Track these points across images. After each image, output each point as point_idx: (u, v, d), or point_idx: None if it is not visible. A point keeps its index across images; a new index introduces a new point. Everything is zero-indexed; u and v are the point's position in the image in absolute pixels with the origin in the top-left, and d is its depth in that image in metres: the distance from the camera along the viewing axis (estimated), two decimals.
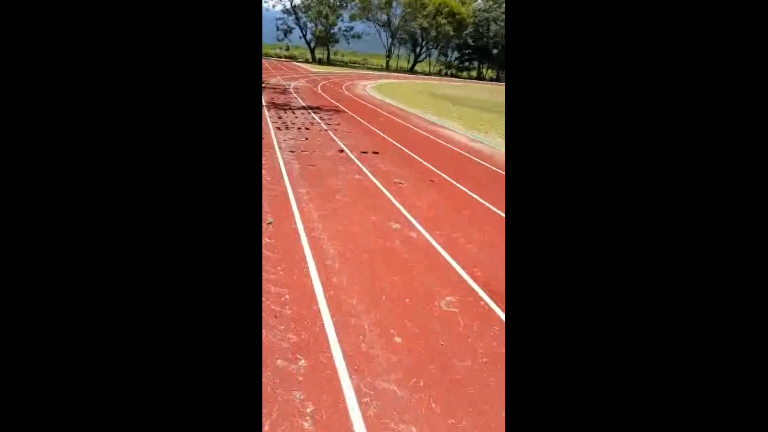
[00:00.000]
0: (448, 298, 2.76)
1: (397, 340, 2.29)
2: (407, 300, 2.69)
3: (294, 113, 9.84)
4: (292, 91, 14.85)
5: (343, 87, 19.14)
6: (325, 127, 8.45)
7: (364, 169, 5.76)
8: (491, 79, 50.10)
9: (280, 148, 6.43)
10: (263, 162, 5.58)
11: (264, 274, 2.76)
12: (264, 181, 4.81)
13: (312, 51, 45.38)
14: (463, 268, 3.18)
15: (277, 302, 2.50)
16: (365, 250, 3.32)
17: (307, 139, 7.24)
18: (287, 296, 2.58)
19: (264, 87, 14.81)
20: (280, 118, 8.97)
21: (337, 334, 2.26)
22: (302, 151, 6.39)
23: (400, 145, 7.51)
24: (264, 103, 10.81)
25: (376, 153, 6.75)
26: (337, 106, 11.93)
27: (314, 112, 10.31)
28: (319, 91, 16.05)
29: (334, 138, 7.56)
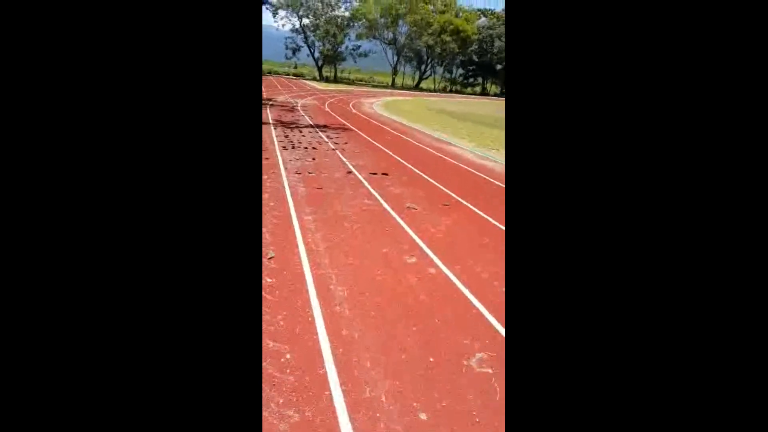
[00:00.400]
0: (479, 355, 2.32)
1: (423, 417, 1.86)
2: (431, 359, 2.26)
3: (301, 132, 9.60)
4: (299, 108, 14.73)
5: (351, 105, 19.05)
6: (333, 147, 8.16)
7: (374, 192, 5.40)
8: (495, 95, 50.23)
9: (285, 169, 6.11)
10: (266, 184, 5.25)
11: (263, 324, 2.36)
12: (266, 206, 4.46)
13: (319, 69, 45.99)
14: (492, 313, 2.75)
15: (276, 364, 2.09)
16: (379, 292, 2.91)
17: (314, 159, 6.93)
18: (288, 356, 2.17)
19: (272, 105, 14.71)
20: (287, 137, 8.72)
21: (350, 413, 1.84)
22: (309, 172, 6.07)
23: (409, 165, 7.17)
24: (271, 122, 10.60)
25: (386, 174, 6.40)
26: (344, 125, 11.71)
27: (322, 131, 10.07)
28: (327, 108, 15.92)
29: (342, 158, 7.25)
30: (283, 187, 5.23)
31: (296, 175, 5.88)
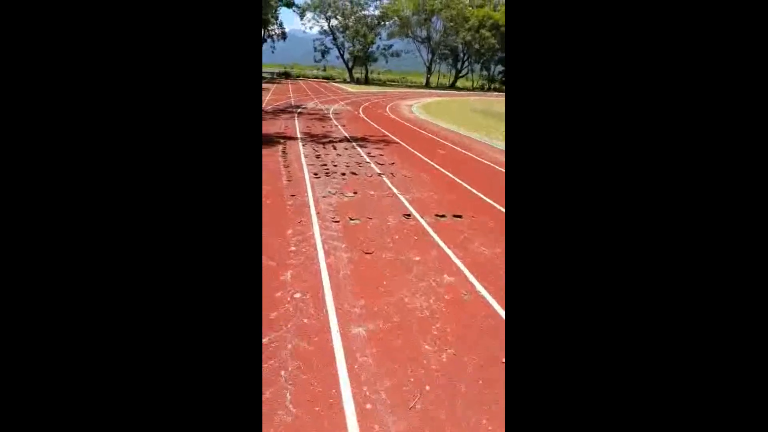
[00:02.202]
0: None
1: None
2: None
3: (335, 148, 7.82)
4: (331, 116, 13.04)
5: (387, 109, 17.22)
6: (378, 170, 6.30)
7: (453, 256, 3.48)
8: None
9: (317, 213, 4.30)
10: (292, 247, 3.45)
11: None
12: (291, 299, 2.65)
13: (350, 71, 44.60)
14: None
15: None
16: None
17: (355, 193, 5.10)
18: None
19: (300, 113, 13.12)
20: (318, 157, 6.96)
21: None
22: (351, 219, 4.22)
23: (488, 199, 5.18)
24: (299, 136, 8.91)
25: (459, 217, 4.46)
26: (385, 136, 9.85)
27: (360, 145, 8.25)
28: (362, 115, 14.16)
29: (392, 188, 5.37)
30: (316, 253, 3.41)
31: (333, 224, 4.05)
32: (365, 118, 13.33)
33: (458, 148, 8.77)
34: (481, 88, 48.84)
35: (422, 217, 4.38)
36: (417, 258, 3.42)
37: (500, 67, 50.05)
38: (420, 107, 18.81)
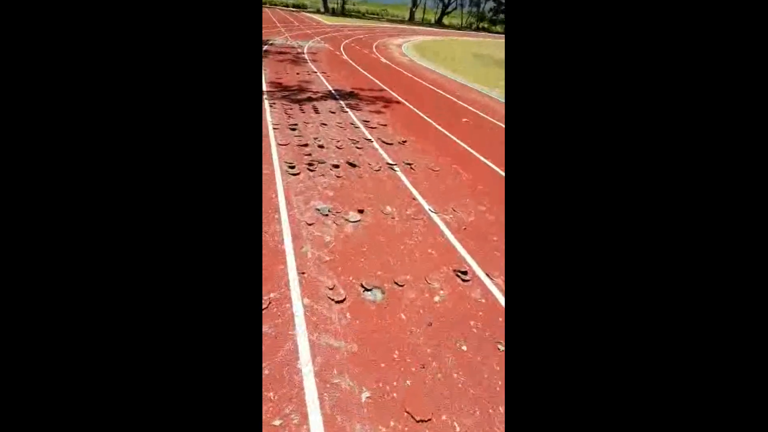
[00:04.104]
0: None
1: None
2: None
3: (317, 111, 5.49)
4: (307, 57, 10.22)
5: (374, 48, 14.27)
6: (387, 156, 4.16)
7: None
8: None
9: (302, 279, 2.26)
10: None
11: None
12: None
13: (324, 0, 38.94)
14: None
15: None
16: None
17: (361, 212, 3.02)
18: None
19: (266, 51, 10.21)
20: (294, 128, 4.67)
21: None
22: (364, 289, 2.21)
23: None
24: (264, 88, 6.40)
25: None
26: (382, 90, 7.46)
27: (352, 107, 5.93)
28: (345, 56, 11.35)
29: (418, 197, 3.33)
30: (298, 359, 1.45)
31: (327, 274, 2.05)
32: (349, 60, 10.61)
33: (485, 115, 6.60)
34: (469, 27, 44.52)
35: (489, 278, 2.44)
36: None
37: (491, 3, 45.42)
38: (412, 48, 15.89)
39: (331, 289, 2.17)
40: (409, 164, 4.01)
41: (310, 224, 2.75)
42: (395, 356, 1.81)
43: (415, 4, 41.73)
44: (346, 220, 2.87)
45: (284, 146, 4.07)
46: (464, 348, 1.90)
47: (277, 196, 3.08)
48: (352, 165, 3.83)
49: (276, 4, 36.82)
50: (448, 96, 7.72)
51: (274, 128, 4.56)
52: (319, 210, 2.94)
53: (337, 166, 3.75)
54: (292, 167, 3.60)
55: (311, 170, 3.60)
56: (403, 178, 3.69)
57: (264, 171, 3.46)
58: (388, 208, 3.11)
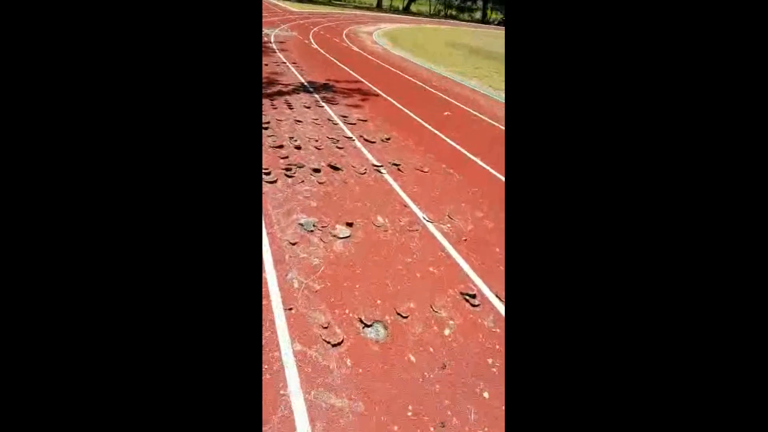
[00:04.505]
0: None
1: None
2: None
3: (290, 106, 5.04)
4: (275, 46, 9.57)
5: (344, 36, 13.68)
6: (371, 157, 3.81)
7: None
8: (498, 23, 43.34)
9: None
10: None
11: None
12: None
13: None
14: None
15: None
16: None
17: (350, 225, 2.68)
18: None
19: None
20: (267, 126, 4.21)
21: None
22: (363, 325, 1.90)
23: None
24: None
25: None
26: (358, 81, 7.04)
27: (327, 101, 5.50)
28: (314, 45, 10.75)
29: (410, 205, 3.03)
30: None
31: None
32: (320, 50, 10.05)
33: (466, 107, 6.34)
34: (437, 14, 44.13)
35: (498, 299, 2.19)
36: None
37: None
38: (383, 36, 15.38)
39: (325, 327, 1.84)
40: (396, 165, 3.69)
41: (293, 243, 2.39)
42: (409, 413, 1.52)
43: None
44: (335, 236, 2.53)
45: (265, 153, 3.64)
46: (486, 395, 1.64)
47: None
48: (335, 168, 3.47)
49: None
50: (427, 87, 7.41)
51: None
52: (302, 225, 2.58)
53: (317, 171, 3.37)
54: (268, 173, 3.19)
55: (289, 176, 3.21)
56: (392, 181, 3.38)
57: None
58: (380, 219, 2.79)
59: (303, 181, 3.16)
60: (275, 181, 3.10)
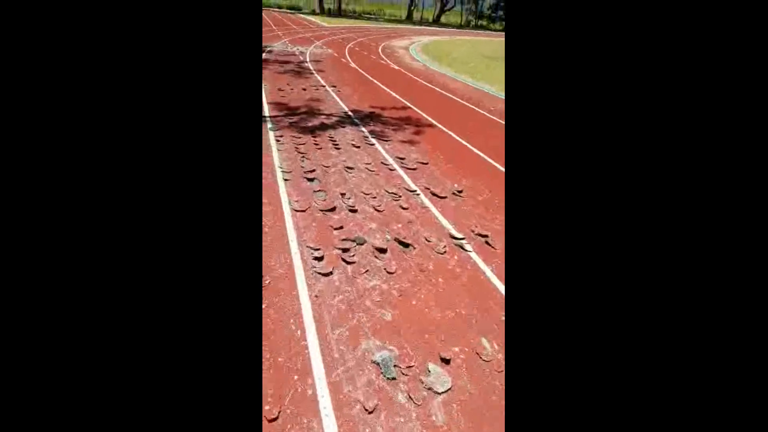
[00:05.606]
0: None
1: None
2: None
3: (337, 146, 4.25)
4: (311, 66, 8.97)
5: (380, 52, 13.03)
6: (439, 215, 2.92)
7: None
8: None
9: None
10: None
11: None
12: None
13: (320, 1, 37.56)
14: None
15: None
16: None
17: (449, 390, 1.80)
18: None
19: (265, 60, 8.94)
20: (311, 177, 3.43)
21: None
22: None
23: None
24: (267, 112, 5.14)
25: None
26: (405, 108, 6.22)
27: (378, 137, 4.69)
28: (352, 64, 10.10)
29: (498, 289, 2.12)
30: None
31: None
32: (358, 68, 9.37)
33: None
34: (467, 25, 43.27)
35: None
36: None
37: (492, 1, 44.10)
38: (420, 50, 14.64)
39: None
40: (484, 237, 2.80)
41: (370, 412, 1.53)
42: None
43: (413, 3, 40.43)
44: (430, 389, 1.65)
45: (302, 213, 2.85)
46: None
47: (305, 336, 1.84)
48: (404, 245, 2.61)
49: (270, 6, 35.46)
50: (481, 111, 6.50)
51: (284, 179, 3.33)
52: (378, 365, 1.72)
53: (383, 251, 2.52)
54: (320, 259, 2.37)
55: (348, 261, 2.38)
56: (483, 266, 2.48)
57: (277, 270, 2.23)
58: (486, 345, 1.89)
59: (367, 271, 2.31)
60: (330, 273, 2.26)
